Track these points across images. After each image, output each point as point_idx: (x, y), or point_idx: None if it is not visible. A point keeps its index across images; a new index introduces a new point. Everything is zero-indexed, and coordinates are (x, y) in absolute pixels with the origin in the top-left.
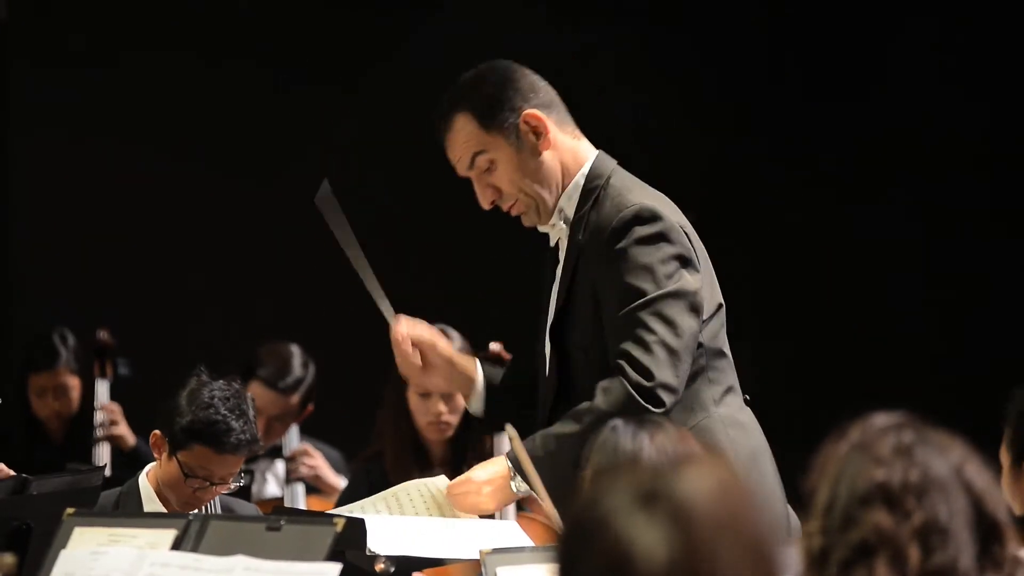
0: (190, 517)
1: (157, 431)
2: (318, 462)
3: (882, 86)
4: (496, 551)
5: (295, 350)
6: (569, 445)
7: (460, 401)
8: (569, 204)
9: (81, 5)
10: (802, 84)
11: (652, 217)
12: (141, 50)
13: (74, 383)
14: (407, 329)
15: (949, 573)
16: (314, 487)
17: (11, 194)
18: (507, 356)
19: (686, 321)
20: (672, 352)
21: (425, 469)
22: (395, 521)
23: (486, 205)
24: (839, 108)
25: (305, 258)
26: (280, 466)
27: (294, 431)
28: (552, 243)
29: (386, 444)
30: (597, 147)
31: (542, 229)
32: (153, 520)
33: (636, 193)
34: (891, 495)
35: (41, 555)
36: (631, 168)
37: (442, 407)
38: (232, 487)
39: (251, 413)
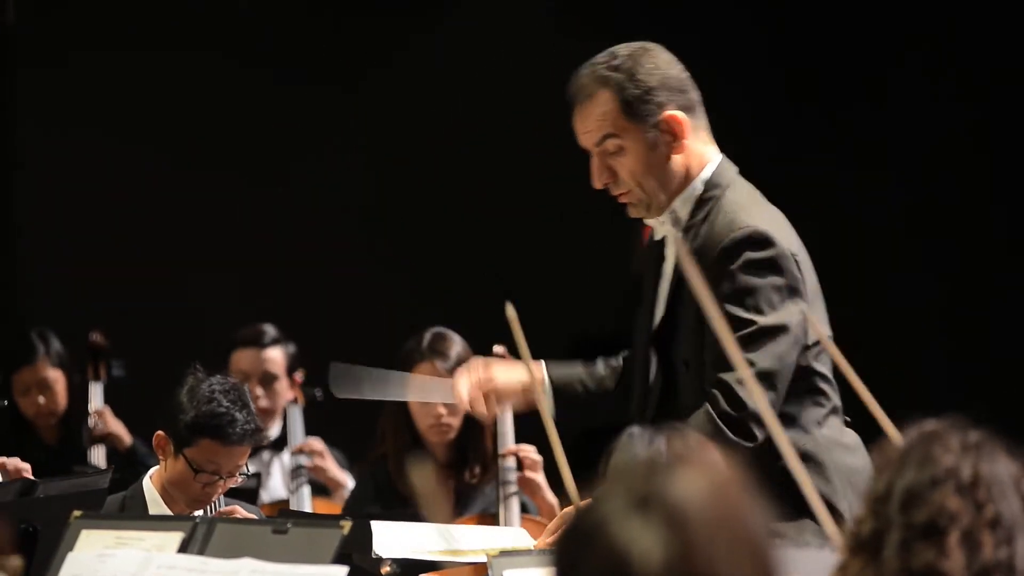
0: (196, 520)
1: (160, 432)
2: (324, 456)
3: (884, 87)
4: (503, 554)
5: (268, 325)
6: None
7: None
8: (683, 208)
9: (86, 8)
10: (803, 85)
11: (764, 242)
12: (143, 52)
13: (57, 377)
14: (465, 396)
15: (1009, 568)
16: (320, 486)
17: (14, 197)
18: (510, 359)
19: (786, 354)
20: (770, 385)
21: None
22: (400, 524)
23: (599, 185)
24: (842, 109)
25: (305, 259)
26: (286, 457)
27: (298, 420)
28: (658, 237)
29: (388, 448)
30: None
31: (648, 222)
32: (160, 523)
33: (751, 212)
34: (961, 483)
35: (48, 557)
36: None
37: (442, 409)
38: (239, 480)
39: (252, 405)
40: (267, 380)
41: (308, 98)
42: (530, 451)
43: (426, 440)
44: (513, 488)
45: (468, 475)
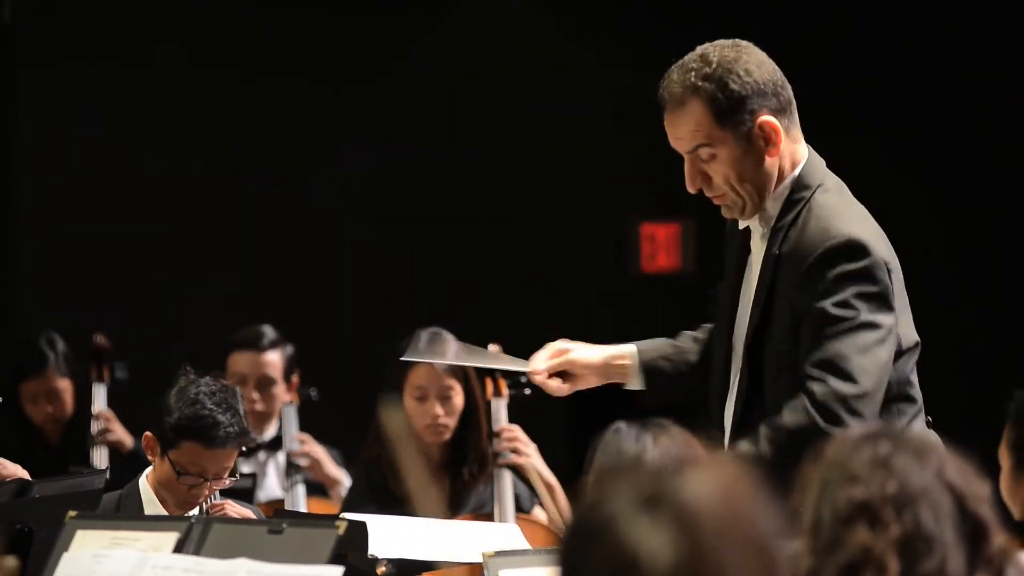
0: (192, 520)
1: (148, 433)
2: (318, 452)
3: (889, 85)
4: (498, 554)
5: (267, 326)
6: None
7: (457, 403)
8: (773, 206)
9: (83, 9)
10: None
11: (860, 252)
12: (142, 53)
13: (65, 386)
14: (542, 367)
15: None
16: (315, 485)
17: (15, 199)
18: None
19: (879, 352)
20: (864, 379)
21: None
22: (397, 523)
23: (692, 189)
24: (842, 108)
25: (304, 263)
26: (281, 458)
27: (293, 420)
28: (741, 226)
29: (382, 447)
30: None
31: (741, 221)
32: (155, 523)
33: (845, 219)
34: (871, 511)
35: (43, 558)
36: (636, 174)
37: (438, 409)
38: (227, 483)
39: (240, 408)
40: (264, 384)
41: (309, 100)
42: (518, 433)
43: (421, 440)
44: (505, 462)
45: (465, 474)
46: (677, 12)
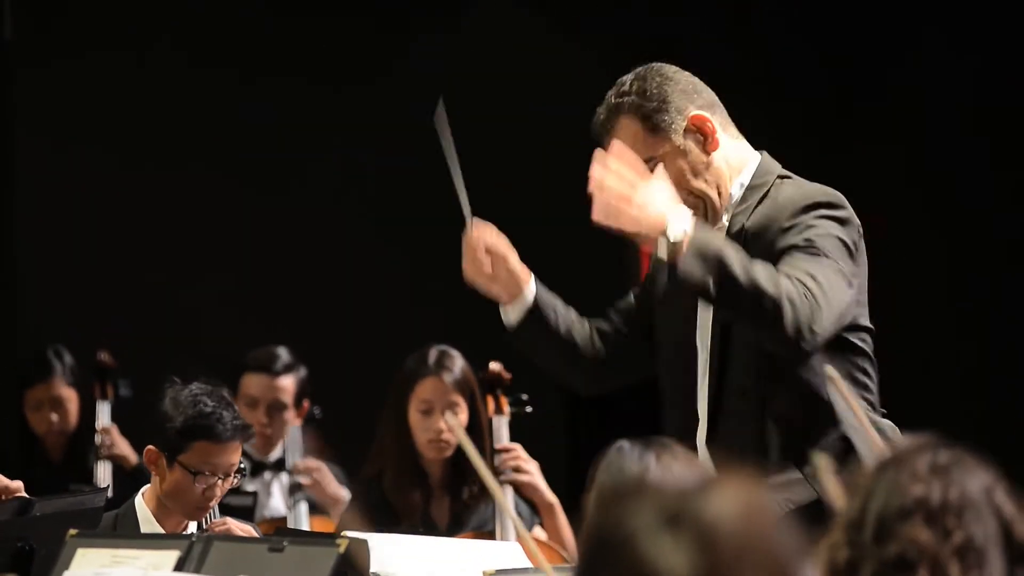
0: (193, 538)
1: (150, 447)
2: (322, 472)
3: (890, 77)
4: (500, 572)
5: (282, 348)
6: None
7: (461, 420)
8: (735, 205)
9: (81, 10)
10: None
11: (843, 205)
12: (141, 53)
13: (70, 395)
14: (483, 235)
15: None
16: (317, 504)
17: (15, 213)
18: (507, 375)
19: (845, 291)
20: (830, 306)
21: (424, 489)
22: (398, 541)
23: None
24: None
25: (306, 277)
26: (286, 477)
27: (297, 439)
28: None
29: (385, 463)
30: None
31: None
32: (156, 541)
33: (821, 186)
34: (931, 512)
35: None
36: None
37: (442, 425)
38: (235, 481)
39: (232, 402)
40: (275, 408)
41: (309, 100)
42: (520, 452)
43: (424, 457)
44: (506, 480)
45: (466, 493)
46: (678, 12)
